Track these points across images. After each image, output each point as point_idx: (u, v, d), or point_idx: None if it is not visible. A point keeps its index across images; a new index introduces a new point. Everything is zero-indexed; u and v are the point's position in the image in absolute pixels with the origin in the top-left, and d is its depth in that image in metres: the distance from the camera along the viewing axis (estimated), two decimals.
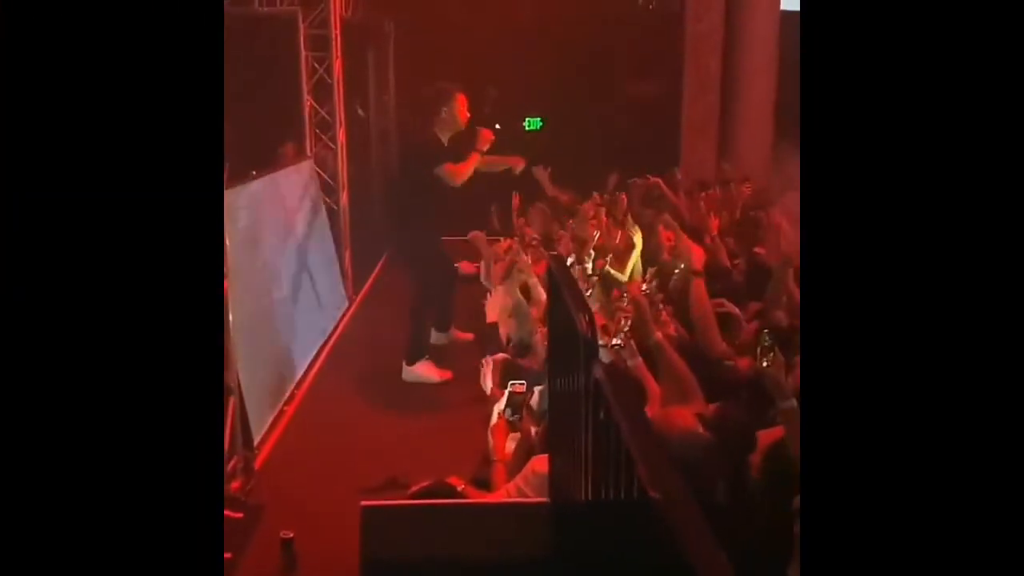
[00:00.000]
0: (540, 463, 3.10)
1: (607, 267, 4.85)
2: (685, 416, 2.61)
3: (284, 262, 5.71)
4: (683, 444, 2.47)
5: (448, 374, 5.51)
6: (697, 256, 4.79)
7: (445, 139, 5.42)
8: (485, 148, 5.37)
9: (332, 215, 7.06)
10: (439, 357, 5.67)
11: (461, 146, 5.46)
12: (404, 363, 5.50)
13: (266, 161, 6.15)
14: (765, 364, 2.70)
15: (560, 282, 2.63)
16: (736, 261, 5.07)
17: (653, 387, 3.27)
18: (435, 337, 5.91)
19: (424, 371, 5.48)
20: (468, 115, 5.44)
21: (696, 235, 5.16)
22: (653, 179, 6.80)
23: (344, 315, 6.84)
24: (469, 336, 6.03)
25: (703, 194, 6.25)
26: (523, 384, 3.56)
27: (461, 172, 5.29)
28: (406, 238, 5.67)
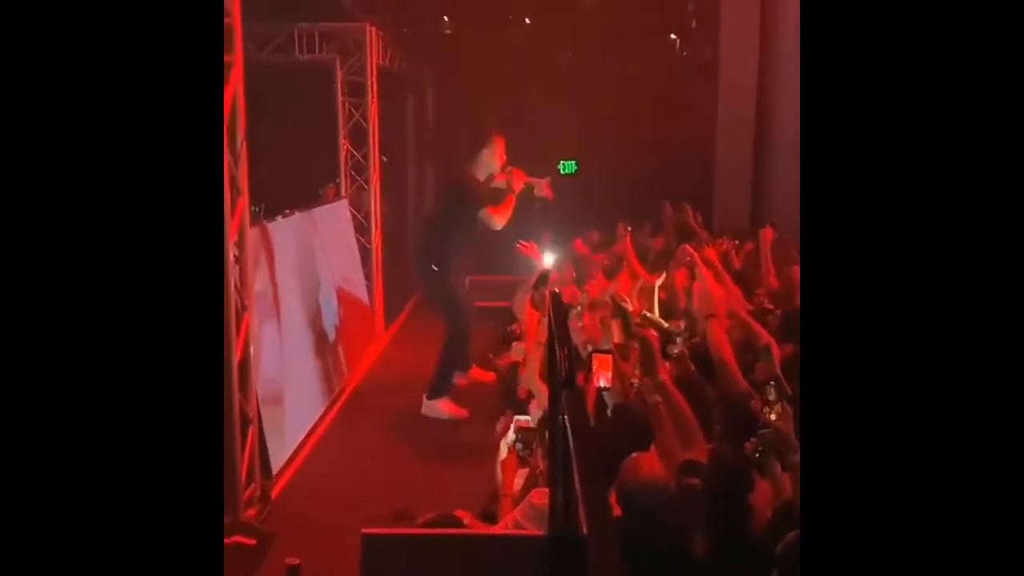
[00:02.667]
0: (539, 496, 3.15)
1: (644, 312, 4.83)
2: (651, 463, 2.62)
3: (315, 297, 5.88)
4: (644, 492, 2.46)
5: (464, 412, 5.60)
6: (718, 298, 4.82)
7: (481, 180, 5.62)
8: (519, 190, 5.57)
9: (365, 253, 7.26)
10: (457, 395, 5.76)
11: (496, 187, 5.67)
12: (425, 397, 5.62)
13: (303, 200, 6.38)
14: (773, 417, 2.70)
15: (552, 318, 2.72)
16: (775, 310, 5.01)
17: (667, 427, 3.27)
18: (455, 378, 6.00)
19: (443, 408, 5.59)
20: (505, 157, 5.63)
21: (723, 279, 5.18)
22: (687, 206, 6.78)
23: (373, 352, 6.98)
24: (491, 376, 6.09)
25: (735, 241, 6.22)
26: (528, 419, 3.62)
27: (503, 214, 5.51)
28: (436, 277, 5.75)
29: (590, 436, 1.70)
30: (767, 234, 6.15)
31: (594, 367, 2.98)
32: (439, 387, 5.62)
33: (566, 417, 1.84)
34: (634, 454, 2.65)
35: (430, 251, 5.71)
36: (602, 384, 2.96)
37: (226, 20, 3.73)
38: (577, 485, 1.47)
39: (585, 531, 1.31)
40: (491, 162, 5.58)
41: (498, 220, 5.50)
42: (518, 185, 5.57)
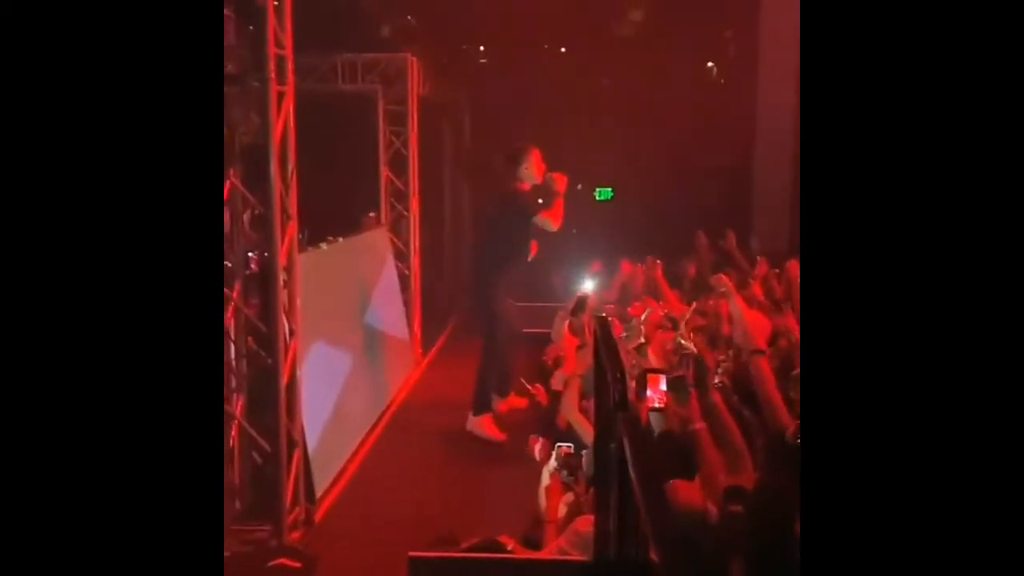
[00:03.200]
0: (584, 523, 3.13)
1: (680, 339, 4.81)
2: (690, 491, 2.60)
3: (356, 323, 5.95)
4: (682, 519, 2.45)
5: (502, 436, 5.68)
6: (762, 330, 4.76)
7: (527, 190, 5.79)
8: (563, 191, 5.73)
9: (404, 280, 7.33)
10: (497, 421, 5.83)
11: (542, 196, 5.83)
12: (470, 413, 5.75)
13: (345, 227, 6.48)
14: None
15: (600, 341, 2.72)
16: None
17: (711, 453, 3.24)
18: (495, 402, 6.05)
19: (485, 426, 5.71)
20: (544, 168, 5.78)
21: (770, 309, 5.14)
22: (729, 235, 6.74)
23: (411, 378, 7.02)
24: (524, 403, 6.15)
25: (774, 270, 6.17)
26: (571, 446, 3.61)
27: (556, 217, 5.67)
28: (491, 294, 5.82)
29: (651, 461, 1.69)
30: (793, 267, 6.03)
31: (648, 387, 2.94)
32: (480, 403, 5.79)
33: (624, 440, 1.84)
34: (673, 480, 2.64)
35: (490, 271, 5.79)
36: (656, 405, 2.91)
37: (279, 52, 3.84)
38: (641, 507, 1.47)
39: (652, 556, 1.31)
40: (532, 174, 5.74)
41: (553, 222, 5.65)
42: (561, 186, 5.73)
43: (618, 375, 2.27)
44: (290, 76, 3.94)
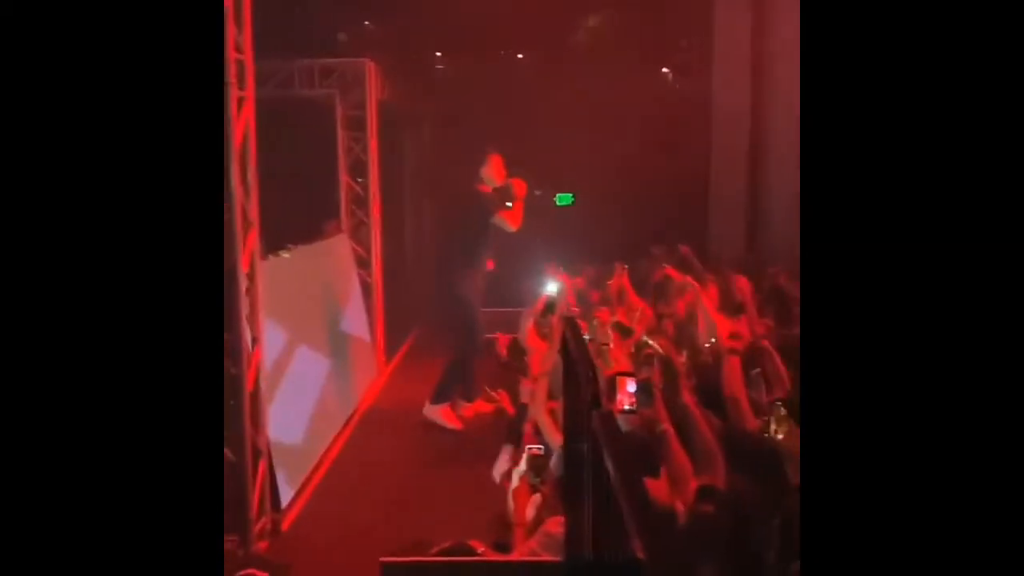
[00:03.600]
0: (553, 524, 3.14)
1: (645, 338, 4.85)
2: (657, 488, 2.62)
3: (320, 330, 5.89)
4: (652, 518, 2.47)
5: (459, 424, 5.92)
6: (724, 331, 4.83)
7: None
8: (523, 195, 5.94)
9: (366, 287, 7.28)
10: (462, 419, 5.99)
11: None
12: (428, 401, 5.90)
13: (306, 235, 6.41)
14: (780, 436, 2.72)
15: (570, 341, 2.74)
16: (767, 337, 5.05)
17: (679, 454, 3.25)
18: (461, 406, 6.15)
19: (442, 415, 5.90)
20: (504, 172, 5.95)
21: (729, 311, 5.22)
22: (683, 247, 6.83)
23: (374, 385, 6.97)
24: (490, 408, 6.17)
25: (733, 272, 6.25)
26: (540, 448, 3.62)
27: (515, 218, 5.86)
28: (457, 293, 5.92)
29: (627, 457, 1.70)
30: (741, 281, 6.05)
31: (618, 389, 2.95)
32: (441, 394, 5.94)
33: (599, 438, 1.85)
34: (643, 478, 2.65)
35: (453, 270, 5.93)
36: (627, 407, 2.92)
37: (239, 57, 3.80)
38: (624, 504, 1.47)
39: (634, 551, 1.32)
40: (491, 177, 5.91)
41: (511, 223, 5.84)
42: (521, 191, 5.93)
43: (590, 374, 2.29)
44: (250, 81, 3.90)
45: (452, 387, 5.97)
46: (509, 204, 5.88)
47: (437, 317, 6.73)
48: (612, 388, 3.01)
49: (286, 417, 4.80)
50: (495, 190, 5.91)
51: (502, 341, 5.73)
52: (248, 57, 3.88)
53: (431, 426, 5.88)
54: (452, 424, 5.89)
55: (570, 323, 3.06)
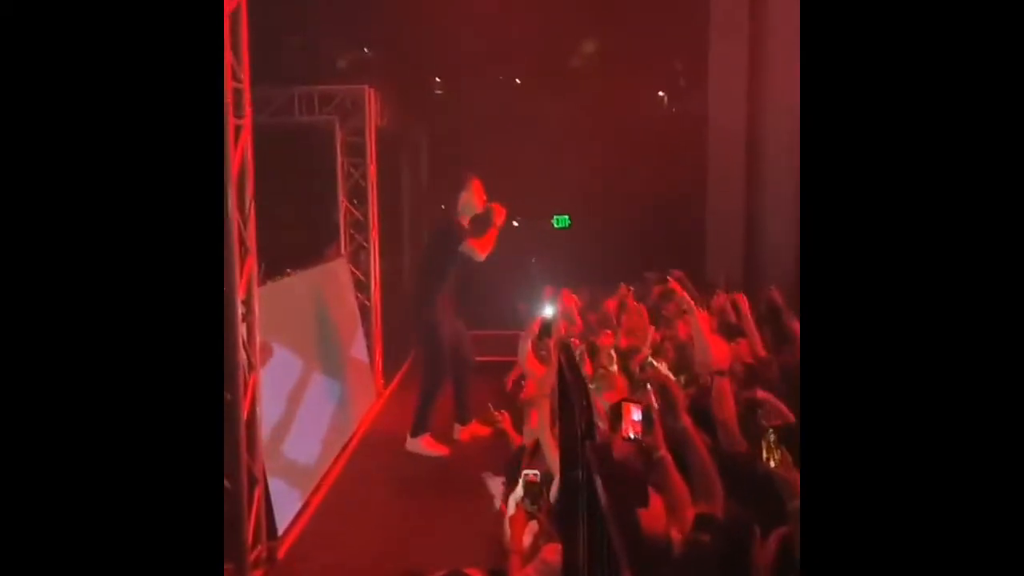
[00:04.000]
0: (551, 552, 3.12)
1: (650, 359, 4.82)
2: (651, 518, 2.60)
3: (316, 356, 5.89)
4: (646, 548, 2.45)
5: (446, 451, 5.89)
6: (720, 354, 4.81)
7: (465, 222, 5.95)
8: (501, 223, 5.88)
9: (364, 311, 7.29)
10: (460, 448, 5.98)
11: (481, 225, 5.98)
12: (408, 435, 5.90)
13: (305, 259, 6.44)
14: (772, 464, 2.71)
15: (565, 368, 2.73)
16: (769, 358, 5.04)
17: (677, 481, 3.22)
18: (456, 431, 6.17)
19: (425, 445, 5.87)
20: (485, 198, 5.94)
21: (727, 332, 5.21)
22: (676, 272, 6.83)
23: (372, 410, 6.95)
24: (488, 431, 6.15)
25: (732, 294, 6.23)
26: (536, 474, 3.60)
27: (484, 246, 5.80)
28: (424, 319, 5.96)
29: (622, 489, 1.70)
30: (741, 300, 6.03)
31: (624, 417, 2.94)
32: (419, 425, 5.92)
33: (593, 469, 1.85)
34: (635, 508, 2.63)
35: (421, 296, 5.99)
36: (631, 435, 2.89)
37: (236, 85, 3.84)
38: (615, 538, 1.47)
39: None
40: (471, 203, 5.90)
41: (479, 251, 5.79)
42: (499, 218, 5.89)
43: (584, 402, 2.28)
44: (247, 109, 3.93)
45: (428, 416, 5.95)
46: (482, 231, 5.88)
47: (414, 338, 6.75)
48: (617, 415, 2.99)
49: (282, 444, 4.78)
50: (474, 217, 5.92)
51: (513, 375, 5.73)
52: (246, 85, 3.92)
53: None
54: (438, 452, 5.88)
55: (565, 348, 3.06)
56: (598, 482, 1.75)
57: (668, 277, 5.95)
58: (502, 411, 5.78)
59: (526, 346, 5.31)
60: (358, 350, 6.96)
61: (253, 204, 4.00)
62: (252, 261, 4.02)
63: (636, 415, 2.96)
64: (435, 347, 5.94)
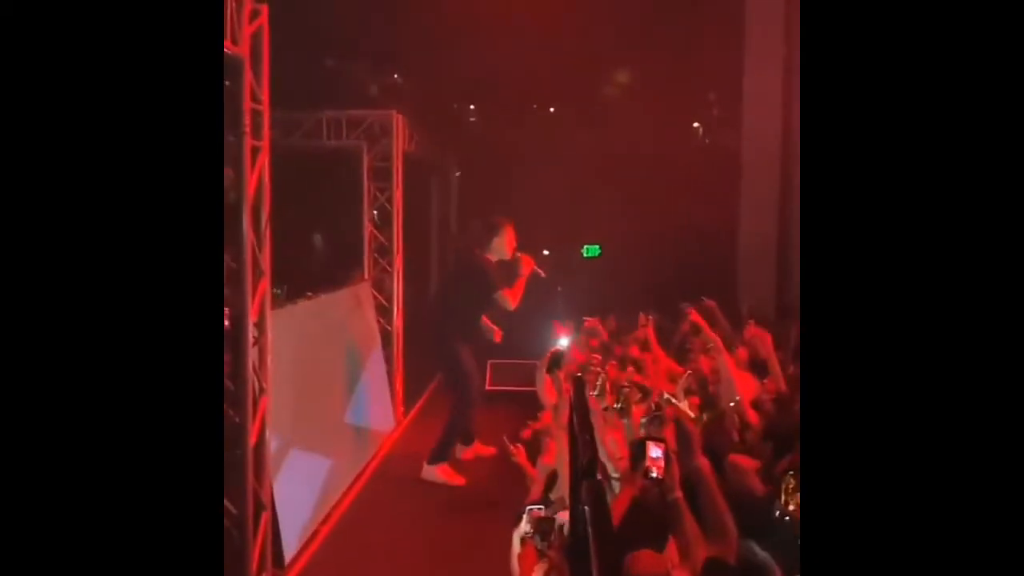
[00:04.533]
0: None
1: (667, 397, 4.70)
2: (652, 561, 2.50)
3: (334, 381, 5.83)
4: None
5: (462, 480, 5.86)
6: (748, 390, 4.66)
7: (493, 259, 6.04)
8: (528, 274, 5.98)
9: (386, 336, 7.24)
10: (461, 469, 6.02)
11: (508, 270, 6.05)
12: (425, 463, 5.88)
13: (329, 283, 6.43)
14: (792, 507, 2.59)
15: (574, 403, 2.65)
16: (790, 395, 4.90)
17: (690, 524, 3.11)
18: (459, 451, 6.25)
19: (441, 474, 5.86)
20: (515, 246, 6.04)
21: (755, 367, 5.07)
22: (708, 302, 6.67)
23: (390, 438, 6.87)
24: (491, 451, 6.28)
25: (758, 328, 6.08)
26: (542, 508, 3.48)
27: (515, 296, 5.91)
28: (449, 350, 6.02)
29: (610, 531, 1.62)
30: (765, 339, 5.82)
31: (648, 454, 2.86)
32: (438, 454, 5.89)
33: (586, 508, 1.76)
34: (638, 552, 2.55)
35: (448, 329, 6.03)
36: (654, 475, 2.81)
37: (255, 106, 3.83)
38: None
39: None
40: (502, 249, 6.02)
41: (511, 301, 5.88)
42: (527, 269, 6.00)
43: (587, 438, 2.19)
44: (266, 131, 3.92)
45: (449, 446, 5.99)
46: (511, 281, 5.97)
47: (438, 368, 6.76)
48: (639, 453, 2.92)
49: (294, 470, 4.71)
50: (500, 262, 6.01)
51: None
52: (265, 107, 3.91)
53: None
54: (455, 481, 5.86)
55: (576, 383, 2.97)
56: (589, 525, 1.67)
57: (691, 309, 5.86)
58: (517, 444, 5.67)
59: (542, 376, 5.22)
60: (378, 376, 6.89)
61: (269, 227, 3.97)
62: (265, 283, 3.98)
63: (656, 453, 2.90)
64: (463, 379, 6.01)
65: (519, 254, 6.00)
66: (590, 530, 1.63)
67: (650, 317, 6.07)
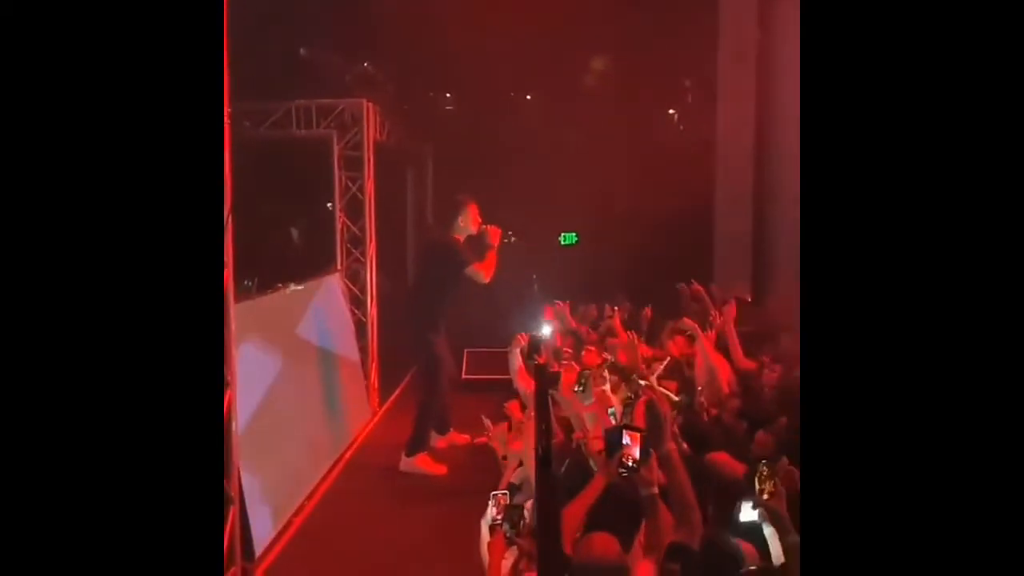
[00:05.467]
0: None
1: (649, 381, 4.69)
2: (606, 544, 2.51)
3: (305, 373, 5.79)
4: (598, 572, 2.36)
5: (443, 469, 5.85)
6: (726, 375, 4.67)
7: (461, 240, 5.98)
8: (497, 243, 5.92)
9: (360, 327, 7.19)
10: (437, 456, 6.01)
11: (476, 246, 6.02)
12: (403, 454, 5.85)
13: (300, 274, 6.36)
14: (765, 496, 2.61)
15: (537, 391, 2.63)
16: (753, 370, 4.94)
17: (664, 516, 3.10)
18: (434, 439, 6.22)
19: (421, 464, 5.83)
20: (480, 220, 5.99)
21: (727, 351, 5.10)
22: (696, 286, 6.67)
23: (365, 428, 6.83)
24: (465, 438, 6.32)
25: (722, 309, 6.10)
26: (506, 494, 3.46)
27: (487, 269, 5.83)
28: (422, 337, 5.97)
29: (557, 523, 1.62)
30: (730, 311, 5.83)
31: (629, 444, 2.84)
32: (415, 444, 5.85)
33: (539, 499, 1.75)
34: (593, 534, 2.55)
35: (421, 315, 5.98)
36: (630, 463, 2.83)
37: None
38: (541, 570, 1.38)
39: None
40: (466, 226, 5.96)
41: (484, 274, 5.81)
42: (495, 239, 5.94)
43: (543, 427, 2.18)
44: (225, 120, 3.85)
45: (425, 435, 5.96)
46: (481, 254, 5.92)
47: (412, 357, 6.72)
48: (616, 442, 2.93)
49: (264, 463, 4.67)
50: (468, 238, 5.97)
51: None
52: (225, 98, 3.84)
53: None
54: (435, 471, 5.84)
55: (539, 371, 2.95)
56: (537, 513, 1.66)
57: (695, 287, 5.90)
58: (499, 423, 5.65)
59: (516, 363, 5.20)
60: (352, 368, 6.85)
61: (231, 218, 3.91)
62: (228, 276, 3.92)
63: (629, 441, 2.91)
64: (435, 367, 5.96)
65: (485, 226, 5.95)
66: (538, 521, 1.62)
67: (616, 308, 6.08)
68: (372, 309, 7.28)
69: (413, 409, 7.04)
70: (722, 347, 5.12)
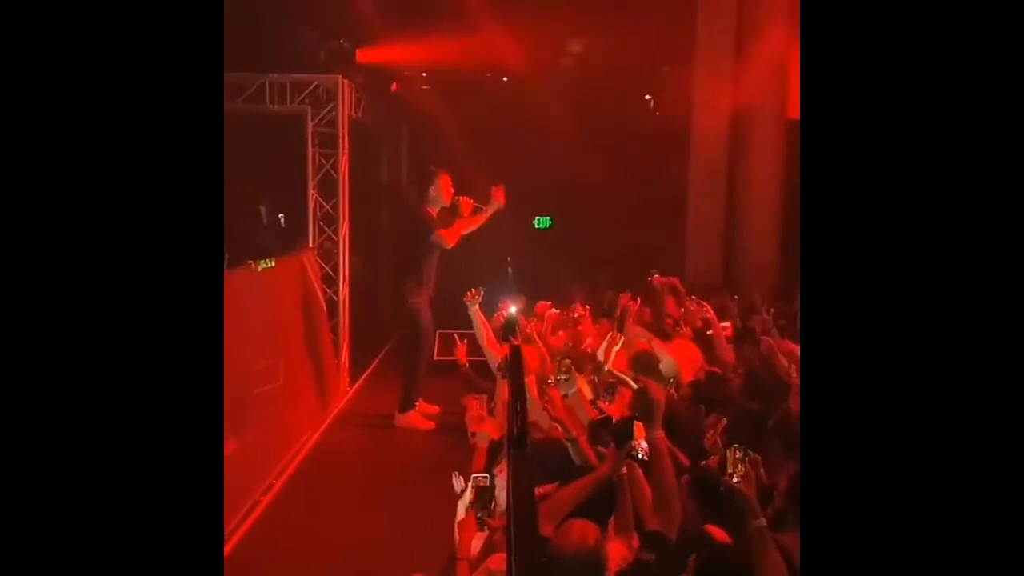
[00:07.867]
0: (497, 561, 3.00)
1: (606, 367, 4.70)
2: (583, 530, 2.52)
3: (274, 351, 5.71)
4: (570, 559, 2.39)
5: (432, 424, 6.27)
6: (693, 362, 4.70)
7: (433, 213, 6.26)
8: (468, 214, 6.20)
9: (332, 306, 7.12)
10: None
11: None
12: (397, 412, 6.21)
13: (271, 251, 6.27)
14: (736, 480, 2.62)
15: (510, 372, 2.62)
16: (737, 368, 4.97)
17: (640, 496, 3.11)
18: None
19: (414, 420, 6.24)
20: (452, 192, 6.23)
21: (699, 339, 5.13)
22: (669, 279, 6.66)
23: (336, 408, 6.78)
24: (435, 409, 6.45)
25: (709, 300, 6.13)
26: (486, 477, 3.46)
27: (452, 236, 6.13)
28: (409, 305, 6.27)
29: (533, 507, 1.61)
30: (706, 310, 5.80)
31: (636, 437, 2.92)
32: (406, 402, 6.25)
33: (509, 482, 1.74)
34: (572, 520, 2.56)
35: (402, 284, 6.35)
36: (640, 456, 2.92)
37: None
38: (512, 555, 1.37)
39: None
40: (439, 196, 6.21)
41: (447, 240, 6.12)
42: (467, 210, 6.20)
43: (517, 407, 2.16)
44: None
45: (414, 392, 6.28)
46: (450, 222, 6.21)
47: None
48: (627, 433, 3.03)
49: (231, 444, 4.61)
50: (442, 209, 6.21)
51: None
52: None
53: (388, 449, 5.90)
54: (425, 426, 6.21)
55: (513, 352, 2.93)
56: (511, 496, 1.64)
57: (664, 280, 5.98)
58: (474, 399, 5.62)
59: (484, 333, 5.22)
60: (322, 346, 6.77)
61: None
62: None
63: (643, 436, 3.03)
64: (418, 329, 6.26)
65: (458, 197, 6.19)
66: (512, 504, 1.60)
67: (586, 306, 6.08)
68: (344, 289, 7.21)
69: (384, 389, 7.04)
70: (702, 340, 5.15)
